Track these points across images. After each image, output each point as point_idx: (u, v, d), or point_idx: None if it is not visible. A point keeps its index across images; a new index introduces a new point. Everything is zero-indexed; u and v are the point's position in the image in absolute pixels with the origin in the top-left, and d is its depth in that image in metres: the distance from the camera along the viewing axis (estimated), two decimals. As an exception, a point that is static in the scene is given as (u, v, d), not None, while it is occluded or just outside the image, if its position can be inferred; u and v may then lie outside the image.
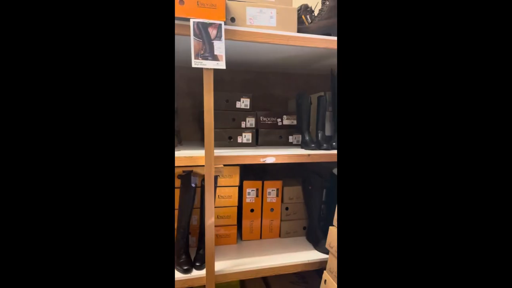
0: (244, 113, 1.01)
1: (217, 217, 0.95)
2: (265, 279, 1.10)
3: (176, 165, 0.77)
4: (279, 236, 1.04)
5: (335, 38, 0.81)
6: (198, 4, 0.68)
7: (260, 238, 1.02)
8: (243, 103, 1.01)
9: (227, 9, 0.74)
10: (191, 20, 0.68)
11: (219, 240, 0.97)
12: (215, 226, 0.95)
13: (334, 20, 0.84)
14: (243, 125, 1.01)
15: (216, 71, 0.73)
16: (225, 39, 0.72)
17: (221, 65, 0.72)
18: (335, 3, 0.85)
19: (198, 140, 1.20)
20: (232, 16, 0.75)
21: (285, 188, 1.02)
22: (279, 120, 1.08)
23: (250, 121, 1.02)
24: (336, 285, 0.74)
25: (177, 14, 0.68)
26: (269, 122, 1.07)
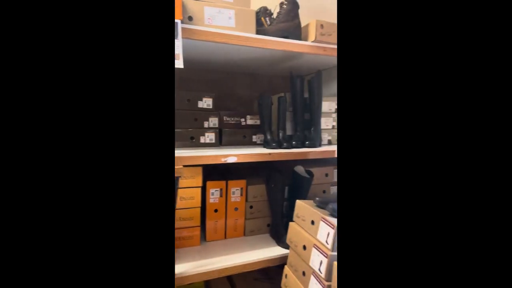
0: (207, 112, 1.00)
1: (180, 219, 0.93)
2: (229, 278, 1.11)
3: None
4: (244, 234, 1.05)
5: (293, 41, 0.84)
6: (152, 1, 0.66)
7: (225, 237, 1.02)
8: (206, 102, 1.00)
9: (184, 8, 0.73)
10: (145, 17, 0.66)
11: (182, 242, 0.95)
12: (178, 228, 0.93)
13: (291, 24, 0.87)
14: (206, 125, 1.00)
15: (180, 70, 0.72)
16: (183, 37, 0.71)
17: (179, 64, 0.71)
18: (291, 7, 0.88)
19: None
20: (190, 15, 0.74)
21: (249, 187, 1.03)
22: (242, 120, 1.09)
23: (213, 121, 1.02)
24: (295, 279, 0.77)
25: (131, 10, 0.65)
26: (232, 122, 1.07)
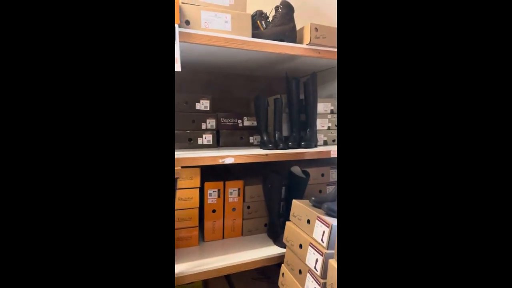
0: (204, 114, 1.02)
1: (178, 219, 0.95)
2: (228, 278, 1.12)
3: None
4: (241, 234, 1.06)
5: (288, 44, 0.86)
6: (150, 6, 0.68)
7: (223, 238, 1.03)
8: (203, 104, 1.01)
9: (181, 12, 0.74)
10: (143, 22, 0.67)
11: (181, 242, 0.96)
12: (176, 228, 0.94)
13: (286, 27, 0.89)
14: (203, 127, 1.02)
15: (178, 73, 0.74)
16: (180, 41, 0.72)
17: (177, 67, 0.72)
18: (287, 10, 0.90)
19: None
20: (187, 19, 0.75)
21: (247, 188, 1.04)
22: (239, 121, 1.10)
23: (211, 123, 1.03)
24: (292, 277, 0.79)
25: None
26: (230, 124, 1.09)
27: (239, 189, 1.03)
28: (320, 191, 1.13)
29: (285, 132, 1.06)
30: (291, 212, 0.87)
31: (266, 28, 0.89)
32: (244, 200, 1.05)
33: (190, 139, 0.99)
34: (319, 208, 0.79)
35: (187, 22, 0.75)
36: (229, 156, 0.83)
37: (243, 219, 1.05)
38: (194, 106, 1.00)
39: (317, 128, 1.09)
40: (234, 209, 1.03)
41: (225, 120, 1.08)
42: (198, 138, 1.00)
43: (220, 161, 0.83)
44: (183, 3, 0.75)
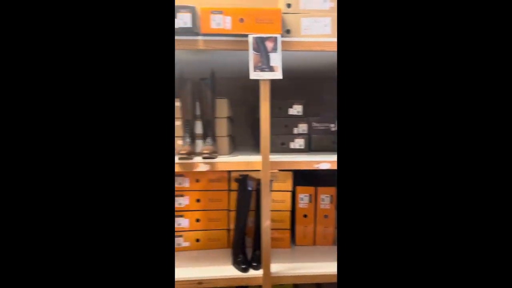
0: (296, 119, 1.03)
1: (272, 220, 0.98)
2: (319, 286, 1.09)
3: (232, 169, 0.84)
4: (333, 243, 1.02)
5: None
6: (256, 21, 0.74)
7: (314, 244, 1.02)
8: (295, 109, 1.03)
9: (283, 22, 0.77)
10: (250, 36, 0.74)
11: (273, 243, 0.99)
12: (271, 229, 0.98)
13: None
14: (295, 131, 1.03)
15: (273, 80, 0.78)
16: (282, 50, 0.75)
17: (278, 75, 0.76)
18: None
19: (251, 146, 1.26)
20: (288, 28, 0.78)
21: (339, 195, 1.00)
22: (331, 125, 1.07)
23: (302, 127, 1.04)
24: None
25: (237, 31, 0.74)
26: (321, 128, 1.07)
27: (331, 196, 0.99)
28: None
29: (385, 137, 0.96)
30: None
31: (367, 26, 0.84)
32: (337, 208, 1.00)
33: (282, 143, 1.02)
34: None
35: (288, 31, 0.78)
36: (325, 161, 0.82)
37: (335, 227, 1.01)
38: (287, 111, 1.03)
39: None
40: (326, 216, 1.00)
41: (316, 125, 1.07)
42: (290, 143, 1.02)
43: (315, 166, 0.82)
44: (284, 13, 0.78)
